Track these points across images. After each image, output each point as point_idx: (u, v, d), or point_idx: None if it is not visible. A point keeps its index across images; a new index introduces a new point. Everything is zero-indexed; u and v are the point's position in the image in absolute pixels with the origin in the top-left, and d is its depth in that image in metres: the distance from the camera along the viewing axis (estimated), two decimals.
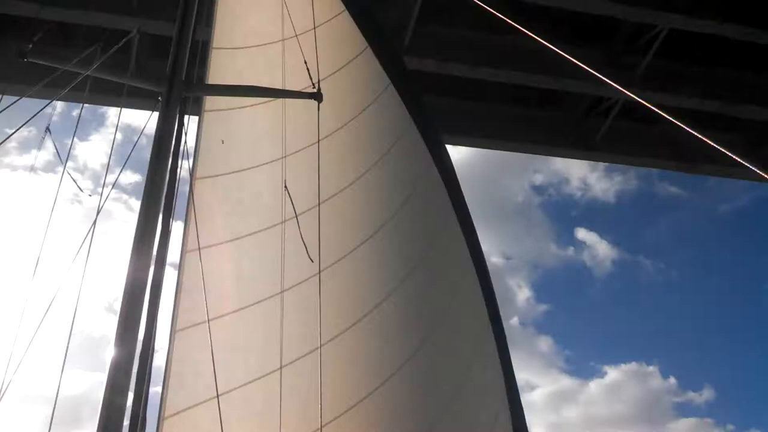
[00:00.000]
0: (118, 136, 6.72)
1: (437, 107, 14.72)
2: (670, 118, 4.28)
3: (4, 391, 4.65)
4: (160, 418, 6.57)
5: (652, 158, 17.60)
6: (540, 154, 18.26)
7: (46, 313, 5.00)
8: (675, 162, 17.44)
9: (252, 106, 7.83)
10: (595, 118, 16.62)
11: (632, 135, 17.06)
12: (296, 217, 7.10)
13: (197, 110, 7.42)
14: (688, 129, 4.10)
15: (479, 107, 16.54)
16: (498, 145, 17.35)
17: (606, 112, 16.36)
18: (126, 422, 5.21)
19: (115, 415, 5.09)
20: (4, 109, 5.42)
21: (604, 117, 16.43)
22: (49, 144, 6.39)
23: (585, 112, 16.69)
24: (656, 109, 4.46)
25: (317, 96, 6.72)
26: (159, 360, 6.16)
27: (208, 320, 6.01)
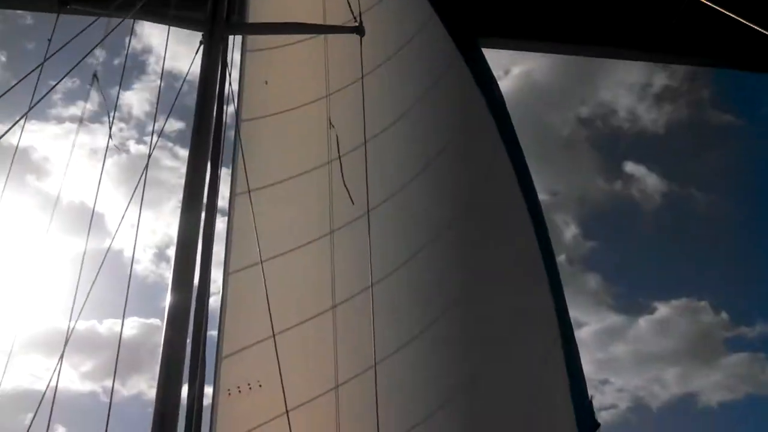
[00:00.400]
0: (160, 84, 6.65)
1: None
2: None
3: (68, 338, 4.76)
4: (218, 359, 6.72)
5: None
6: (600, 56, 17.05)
7: (102, 263, 5.06)
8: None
9: (293, 44, 7.71)
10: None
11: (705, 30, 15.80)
12: (339, 158, 7.05)
13: (239, 51, 7.34)
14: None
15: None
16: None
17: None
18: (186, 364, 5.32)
19: (175, 358, 5.21)
20: (48, 57, 5.38)
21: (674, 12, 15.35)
22: (93, 93, 6.38)
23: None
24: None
25: (359, 30, 6.55)
26: (214, 303, 6.24)
27: (261, 262, 6.04)
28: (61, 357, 4.50)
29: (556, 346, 5.94)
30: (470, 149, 7.68)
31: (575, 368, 5.78)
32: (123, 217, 5.06)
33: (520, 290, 6.83)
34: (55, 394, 4.37)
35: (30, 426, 4.28)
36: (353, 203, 6.82)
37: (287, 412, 5.17)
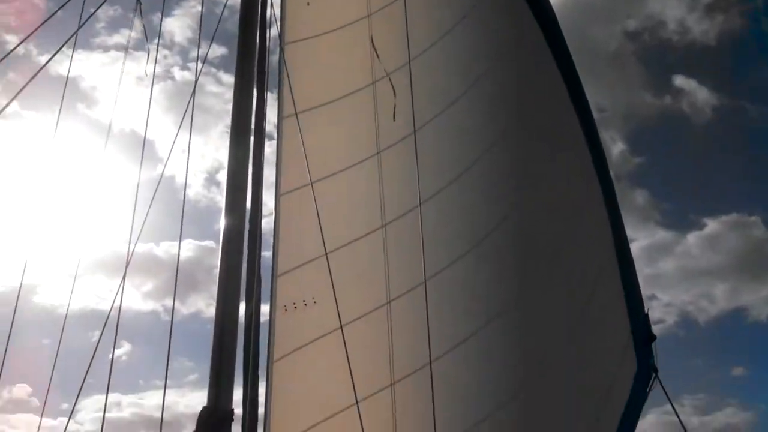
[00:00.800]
0: (202, 9, 6.69)
1: None
2: None
3: (129, 260, 5.00)
4: (274, 277, 6.95)
5: None
6: None
7: (157, 188, 5.26)
8: None
9: None
10: None
11: None
12: (388, 76, 7.03)
13: None
14: None
15: None
16: None
17: None
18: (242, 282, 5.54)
19: (232, 277, 5.43)
20: None
21: None
22: (135, 22, 6.47)
23: None
24: None
25: None
26: (267, 225, 6.42)
27: (311, 182, 6.16)
28: (123, 278, 4.74)
29: (612, 258, 5.93)
30: (521, 63, 7.54)
31: (631, 280, 5.77)
32: (174, 144, 5.21)
33: (575, 203, 6.80)
34: (119, 314, 4.63)
35: (98, 343, 4.57)
36: (394, 120, 6.84)
37: (341, 326, 5.36)
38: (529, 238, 6.81)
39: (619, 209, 6.56)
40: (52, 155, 5.62)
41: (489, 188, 7.31)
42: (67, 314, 5.43)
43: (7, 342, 4.60)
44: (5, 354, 4.58)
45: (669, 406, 5.01)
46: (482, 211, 7.24)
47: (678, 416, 4.97)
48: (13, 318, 4.74)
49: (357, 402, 5.07)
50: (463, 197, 7.25)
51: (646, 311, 5.54)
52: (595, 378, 5.72)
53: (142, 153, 5.48)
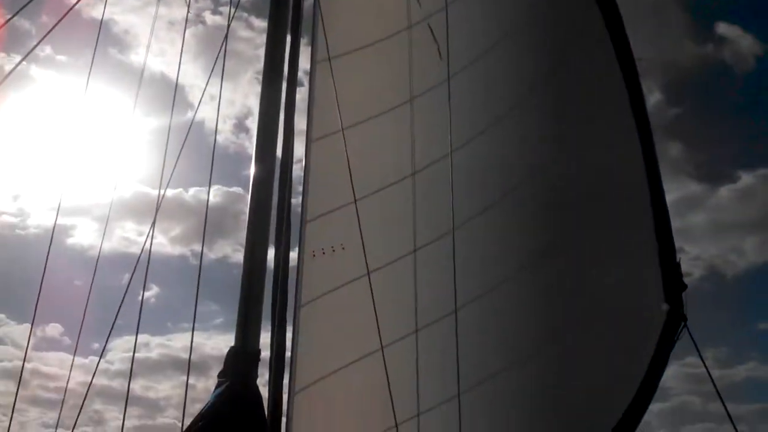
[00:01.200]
0: None
1: None
2: None
3: (159, 205, 5.07)
4: (303, 223, 7.03)
5: None
6: None
7: (187, 134, 5.30)
8: None
9: None
10: None
11: None
12: (428, 21, 6.93)
13: None
14: None
15: None
16: None
17: None
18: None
19: (261, 222, 5.51)
20: None
21: None
22: None
23: None
24: None
25: None
26: (297, 171, 6.45)
27: (342, 129, 6.15)
28: (153, 222, 4.83)
29: (646, 205, 5.86)
30: (560, 7, 7.36)
31: (664, 229, 5.72)
32: (204, 90, 5.23)
33: (611, 150, 6.71)
34: (149, 257, 4.72)
35: (128, 284, 4.68)
36: (441, 57, 6.75)
37: (368, 273, 5.43)
38: (563, 185, 6.74)
39: (656, 156, 6.47)
40: (85, 100, 5.67)
41: (523, 137, 7.23)
42: (99, 255, 5.56)
43: (41, 282, 4.73)
44: (39, 294, 4.71)
45: (690, 359, 5.04)
46: (515, 160, 7.18)
47: (705, 364, 5.03)
48: (47, 259, 4.86)
49: (382, 347, 5.17)
50: (494, 149, 7.19)
51: (678, 260, 5.52)
52: (624, 325, 5.74)
53: (173, 99, 5.51)
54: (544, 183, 6.78)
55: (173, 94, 5.58)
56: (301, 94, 6.88)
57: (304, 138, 7.22)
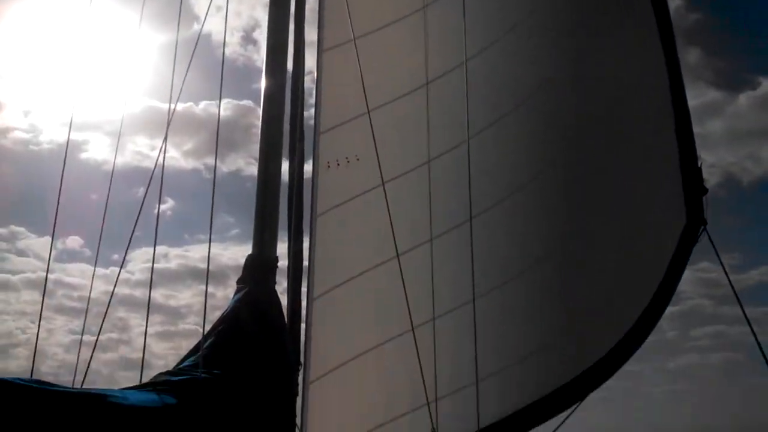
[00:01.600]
0: None
1: None
2: None
3: (170, 119, 5.11)
4: (316, 134, 7.04)
5: None
6: None
7: (195, 47, 5.28)
8: None
9: None
10: None
11: None
12: None
13: None
14: None
15: None
16: None
17: None
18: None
19: (275, 134, 5.54)
20: None
21: None
22: None
23: None
24: None
25: None
26: (307, 84, 6.41)
27: (354, 39, 6.07)
28: (165, 137, 4.88)
29: (667, 109, 5.78)
30: None
31: (685, 132, 5.66)
32: (211, 2, 5.18)
33: (633, 56, 6.57)
34: (163, 170, 4.78)
35: (144, 197, 4.77)
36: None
37: (383, 183, 5.47)
38: (587, 92, 6.63)
39: (679, 60, 6.33)
40: (92, 13, 5.64)
41: (537, 45, 7.06)
42: (114, 167, 5.64)
43: (59, 195, 4.83)
44: (57, 208, 4.82)
45: (703, 264, 5.07)
46: (529, 68, 7.05)
47: (723, 267, 5.06)
48: (63, 174, 4.95)
49: (398, 254, 5.25)
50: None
51: (699, 164, 5.50)
52: (644, 228, 5.76)
53: (179, 10, 5.46)
54: (567, 88, 6.68)
55: (179, 4, 5.51)
56: (310, 4, 6.77)
57: (314, 50, 7.15)
